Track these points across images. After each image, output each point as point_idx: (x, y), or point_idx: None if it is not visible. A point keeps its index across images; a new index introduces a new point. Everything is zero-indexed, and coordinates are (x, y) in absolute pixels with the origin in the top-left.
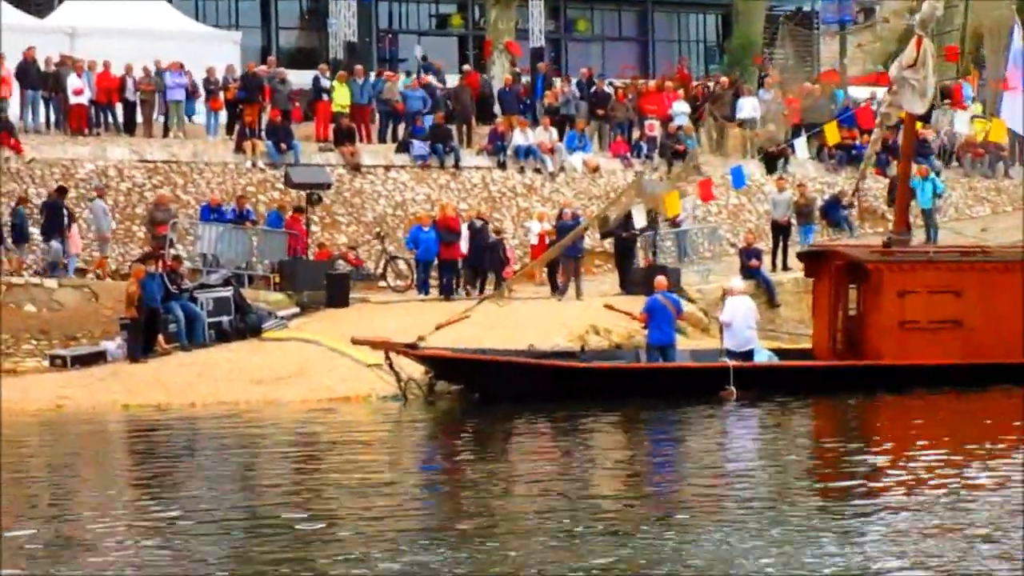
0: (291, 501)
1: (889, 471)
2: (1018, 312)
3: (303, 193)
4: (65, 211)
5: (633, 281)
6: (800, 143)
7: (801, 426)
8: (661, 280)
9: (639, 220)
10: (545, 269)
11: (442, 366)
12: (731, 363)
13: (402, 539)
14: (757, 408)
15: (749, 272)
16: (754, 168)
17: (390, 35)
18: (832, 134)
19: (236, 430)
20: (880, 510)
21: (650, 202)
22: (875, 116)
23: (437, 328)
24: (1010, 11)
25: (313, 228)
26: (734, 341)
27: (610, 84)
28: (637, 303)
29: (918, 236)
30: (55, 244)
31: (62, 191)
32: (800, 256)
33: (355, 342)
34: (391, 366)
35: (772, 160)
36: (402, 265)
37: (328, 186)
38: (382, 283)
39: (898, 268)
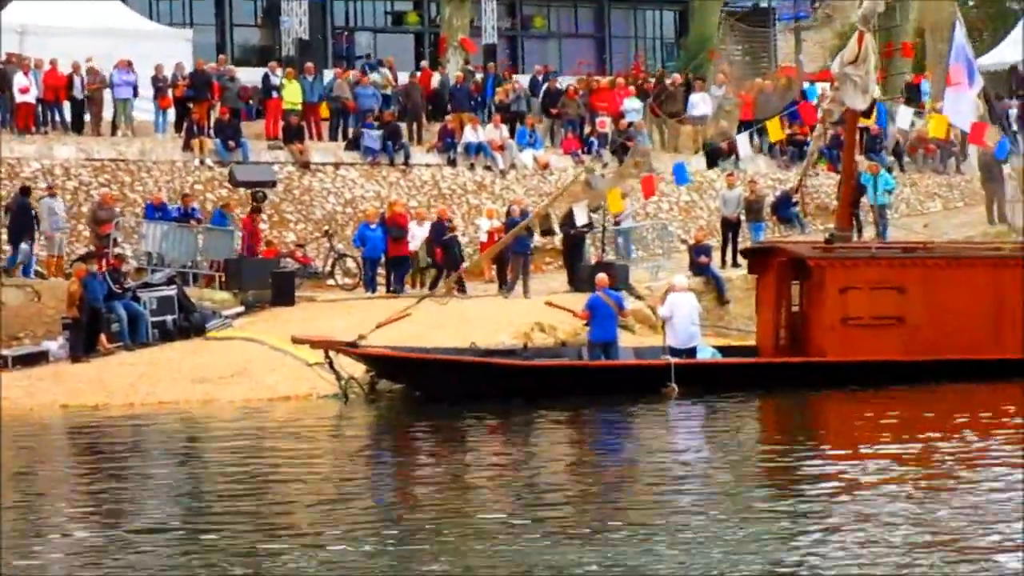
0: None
1: (825, 469)
2: (961, 308)
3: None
4: (33, 212)
5: (582, 278)
6: (742, 140)
7: (736, 424)
8: (602, 277)
9: (580, 218)
10: (494, 266)
11: (383, 365)
12: (673, 360)
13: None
14: (696, 406)
15: (699, 269)
16: (703, 165)
17: (346, 32)
18: (775, 131)
19: (164, 429)
20: (817, 509)
21: (593, 199)
22: (818, 112)
23: (378, 326)
24: (952, 8)
25: (261, 226)
26: (676, 338)
27: (562, 81)
28: (581, 300)
29: (869, 232)
30: (24, 247)
31: (26, 190)
32: (744, 253)
33: (295, 341)
34: (331, 365)
35: (715, 156)
36: (350, 263)
37: (273, 184)
38: (330, 281)
39: (840, 265)
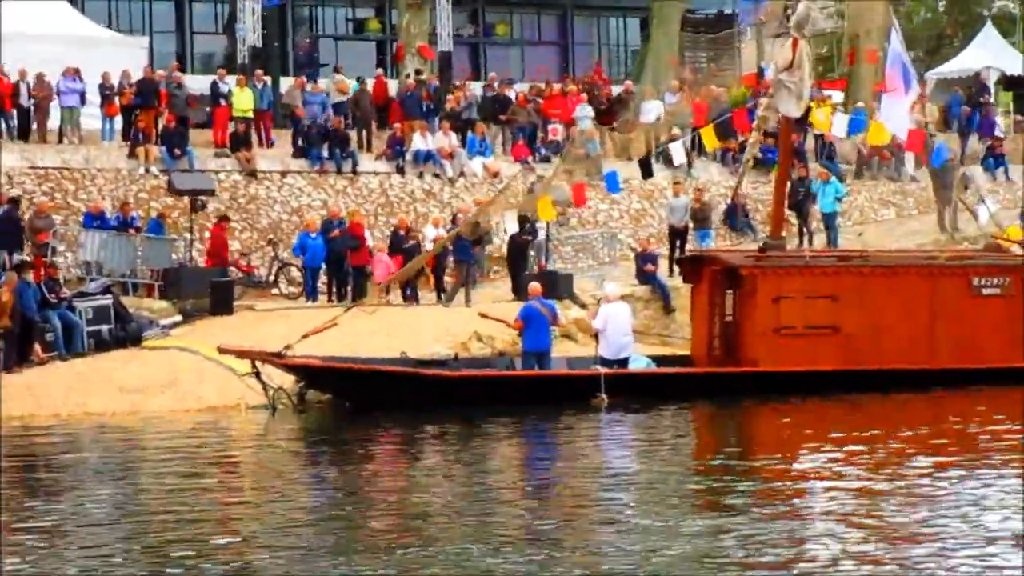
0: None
1: (741, 479)
2: (896, 318)
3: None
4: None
5: (525, 286)
6: (676, 147)
7: (659, 434)
8: (535, 287)
9: (511, 226)
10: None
11: (310, 375)
12: (603, 370)
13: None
14: (622, 416)
15: (645, 277)
16: (657, 172)
17: (307, 40)
18: (709, 138)
19: (75, 442)
20: (733, 518)
21: (523, 208)
22: (752, 120)
23: (304, 336)
24: (887, 13)
25: (206, 235)
26: (609, 349)
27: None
28: (514, 309)
29: (820, 240)
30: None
31: (16, 201)
32: (678, 262)
33: (221, 351)
34: (258, 375)
35: (647, 165)
36: (295, 272)
37: (212, 192)
38: (275, 290)
39: (773, 273)
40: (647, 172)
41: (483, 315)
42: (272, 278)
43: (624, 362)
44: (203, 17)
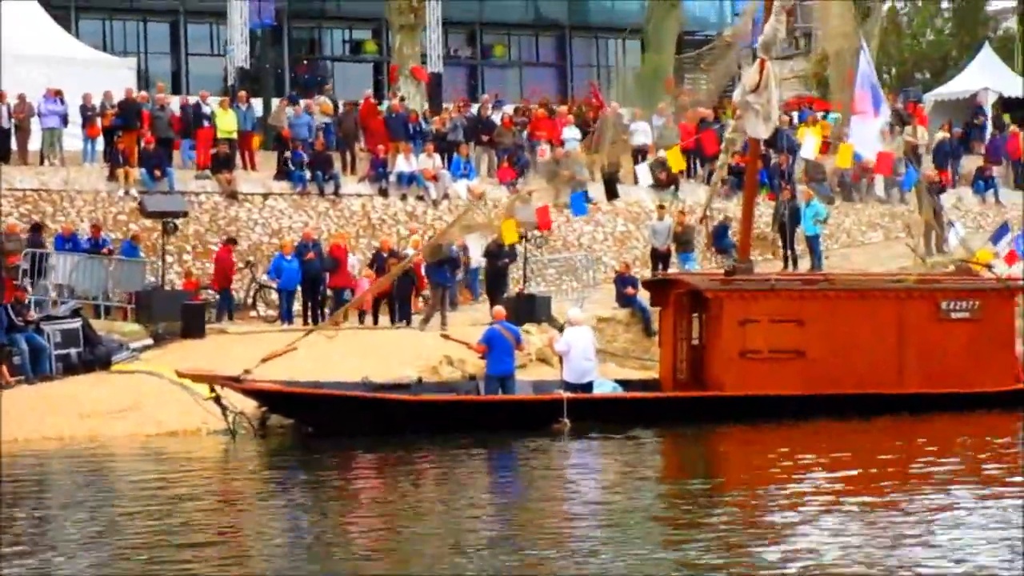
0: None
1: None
2: (863, 342)
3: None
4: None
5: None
6: (642, 170)
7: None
8: (500, 310)
9: (475, 251)
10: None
11: (269, 400)
12: (565, 395)
13: None
14: (582, 442)
15: (625, 300)
16: (643, 195)
17: (305, 61)
18: (676, 161)
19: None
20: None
21: (485, 230)
22: (720, 141)
23: (263, 360)
24: (856, 35)
25: (185, 257)
26: (572, 373)
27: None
28: (478, 333)
29: (804, 263)
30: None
31: (38, 228)
32: (646, 285)
33: (180, 375)
34: (218, 400)
35: (612, 186)
36: (274, 295)
37: (184, 214)
38: (253, 313)
39: (739, 297)
40: (612, 194)
41: (446, 337)
42: (250, 300)
43: (588, 386)
44: (198, 39)
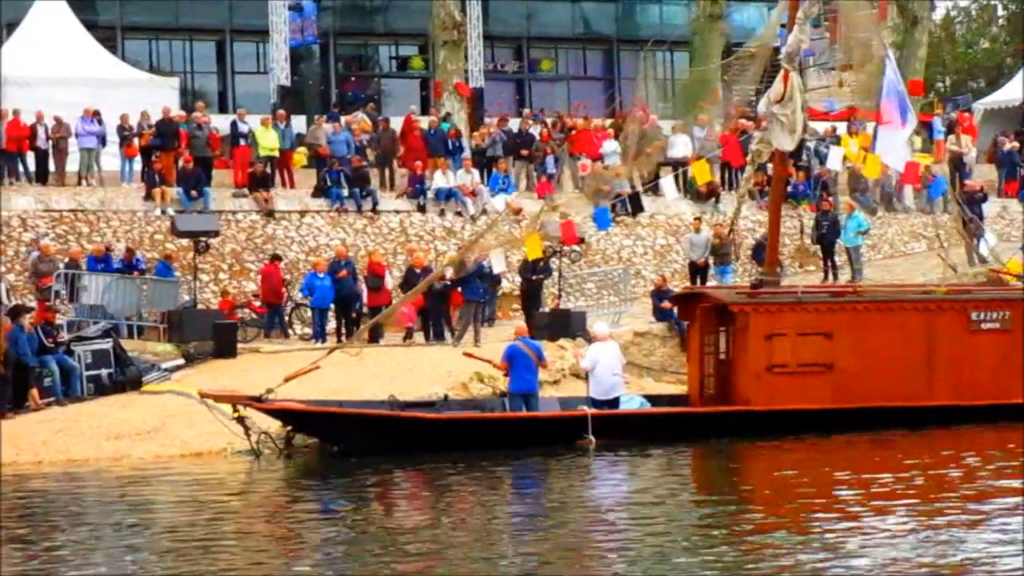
0: None
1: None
2: (892, 354)
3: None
4: None
5: (538, 324)
6: (667, 183)
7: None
8: (521, 327)
9: (498, 265)
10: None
11: (292, 419)
12: (589, 412)
13: None
14: (606, 459)
15: (661, 314)
16: (683, 207)
17: (353, 78)
18: (701, 173)
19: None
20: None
21: (508, 245)
22: (746, 153)
23: (286, 380)
24: (880, 44)
25: (221, 276)
26: (598, 388)
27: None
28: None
29: (845, 275)
30: None
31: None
32: (673, 299)
33: (202, 395)
34: (241, 420)
35: (637, 200)
36: (309, 313)
37: (216, 234)
38: (288, 332)
39: (765, 310)
40: (637, 208)
41: (468, 355)
42: (286, 319)
43: (614, 402)
44: (244, 57)
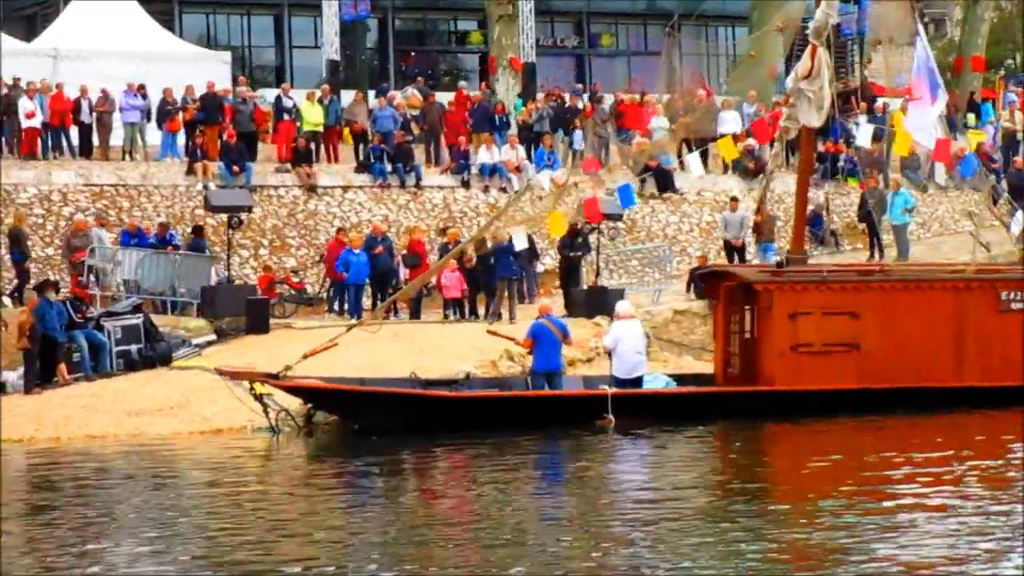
0: None
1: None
2: (919, 334)
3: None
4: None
5: (576, 302)
6: (693, 159)
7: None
8: (546, 304)
9: (520, 242)
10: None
11: (310, 396)
12: (610, 391)
13: None
14: (623, 439)
15: (701, 292)
16: (732, 184)
17: (411, 52)
18: (728, 150)
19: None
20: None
21: (531, 223)
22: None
23: (304, 357)
24: (911, 20)
25: (262, 252)
26: (621, 367)
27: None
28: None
29: (891, 253)
30: None
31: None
32: (699, 278)
33: (219, 372)
34: (260, 397)
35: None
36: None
37: (249, 209)
38: (327, 308)
39: (790, 289)
40: (663, 186)
41: (492, 332)
42: (325, 295)
43: (637, 381)
44: (302, 31)
